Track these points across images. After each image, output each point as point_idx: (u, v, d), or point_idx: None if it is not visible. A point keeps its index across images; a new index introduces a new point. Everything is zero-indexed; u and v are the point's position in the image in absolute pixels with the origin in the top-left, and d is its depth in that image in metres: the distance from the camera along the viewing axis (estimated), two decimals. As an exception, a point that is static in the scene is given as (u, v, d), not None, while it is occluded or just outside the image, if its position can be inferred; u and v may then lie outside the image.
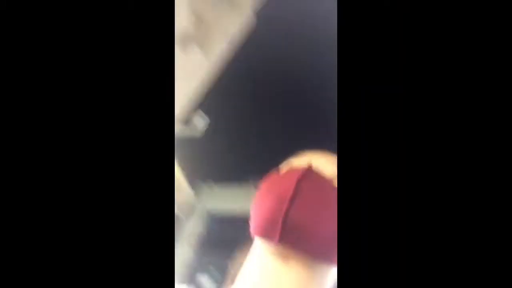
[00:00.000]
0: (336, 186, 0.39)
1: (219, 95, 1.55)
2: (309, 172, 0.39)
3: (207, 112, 1.78)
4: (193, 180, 2.29)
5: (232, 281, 0.43)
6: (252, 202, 0.42)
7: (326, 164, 0.42)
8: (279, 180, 0.41)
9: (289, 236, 0.36)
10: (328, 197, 0.38)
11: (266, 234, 0.38)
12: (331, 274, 0.40)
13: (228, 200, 2.44)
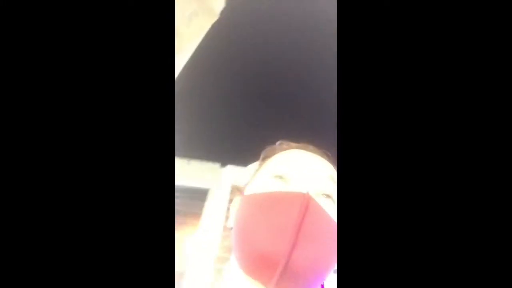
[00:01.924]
0: (331, 217, 0.37)
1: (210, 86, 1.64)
2: (310, 205, 0.35)
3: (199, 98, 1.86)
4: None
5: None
6: (240, 220, 0.38)
7: (312, 162, 0.40)
8: (276, 209, 0.35)
9: (286, 282, 0.33)
10: (325, 233, 0.35)
11: (259, 277, 0.34)
12: None
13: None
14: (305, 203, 0.35)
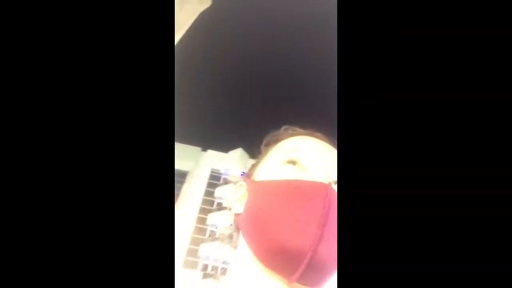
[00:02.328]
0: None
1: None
2: (332, 195, 0.34)
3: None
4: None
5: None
6: (257, 215, 0.36)
7: (322, 152, 0.39)
8: (298, 199, 0.34)
9: (309, 277, 0.32)
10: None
11: (281, 271, 0.33)
12: None
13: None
14: (328, 195, 0.34)
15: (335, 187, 0.36)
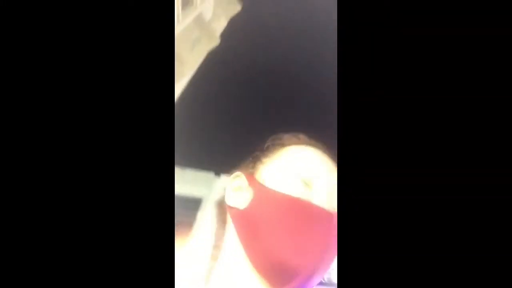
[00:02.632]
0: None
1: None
2: (335, 226, 0.36)
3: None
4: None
5: (215, 257, 0.40)
6: (259, 224, 0.37)
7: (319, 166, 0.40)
8: (309, 223, 0.36)
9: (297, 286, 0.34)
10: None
11: (272, 281, 0.35)
12: None
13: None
14: (333, 225, 0.35)
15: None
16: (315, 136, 0.45)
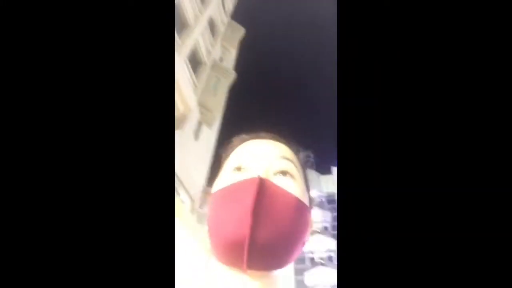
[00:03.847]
0: (289, 191, 0.38)
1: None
2: (263, 185, 0.37)
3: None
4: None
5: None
6: (208, 216, 0.40)
7: (272, 152, 0.42)
8: (233, 198, 0.37)
9: (257, 261, 0.35)
10: (285, 207, 0.37)
11: (232, 263, 0.36)
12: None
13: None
14: (255, 185, 0.36)
15: (277, 177, 0.39)
16: (280, 133, 0.47)
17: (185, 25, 6.45)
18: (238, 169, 0.41)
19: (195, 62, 7.14)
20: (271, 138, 0.46)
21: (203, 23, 7.20)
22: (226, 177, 0.42)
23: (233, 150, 0.46)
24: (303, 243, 0.40)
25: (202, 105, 7.13)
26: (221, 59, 9.43)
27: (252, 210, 0.35)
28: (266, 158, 0.41)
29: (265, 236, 0.35)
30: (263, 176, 0.38)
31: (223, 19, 9.47)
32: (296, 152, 0.45)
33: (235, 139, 0.47)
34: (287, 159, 0.42)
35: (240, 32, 10.58)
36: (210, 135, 8.01)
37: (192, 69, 6.79)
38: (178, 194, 5.52)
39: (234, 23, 10.45)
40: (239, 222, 0.35)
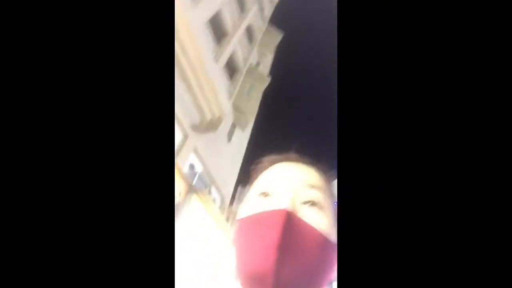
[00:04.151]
0: (316, 228, 0.37)
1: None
2: (290, 219, 0.36)
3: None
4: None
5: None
6: (235, 243, 0.40)
7: (296, 176, 0.41)
8: (260, 228, 0.37)
9: None
10: (311, 245, 0.36)
11: None
12: None
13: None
14: (282, 219, 0.36)
15: (304, 207, 0.39)
16: (307, 151, 0.45)
17: (224, 34, 6.80)
18: (265, 194, 0.41)
19: (231, 69, 7.51)
20: (300, 161, 0.45)
21: (241, 31, 7.53)
22: (253, 202, 0.42)
23: (262, 171, 0.46)
24: (330, 282, 0.39)
25: (236, 109, 7.50)
26: (257, 64, 9.73)
27: (277, 245, 0.35)
28: (294, 186, 0.41)
29: (289, 273, 0.35)
30: (290, 207, 0.38)
31: (260, 26, 9.72)
32: (325, 175, 0.44)
33: (265, 160, 0.47)
34: (316, 187, 0.42)
35: (277, 37, 10.78)
36: (243, 137, 8.36)
37: (229, 76, 7.16)
38: (210, 192, 5.87)
39: (272, 29, 10.67)
40: (264, 256, 0.35)
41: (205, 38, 5.76)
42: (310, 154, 0.45)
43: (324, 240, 0.38)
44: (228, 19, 6.94)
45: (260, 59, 10.01)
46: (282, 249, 0.35)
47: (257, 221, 0.39)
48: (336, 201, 0.40)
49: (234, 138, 7.73)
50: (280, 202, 0.39)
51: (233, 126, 7.78)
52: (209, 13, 5.90)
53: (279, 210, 0.38)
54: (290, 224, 0.36)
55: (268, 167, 0.45)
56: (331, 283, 0.39)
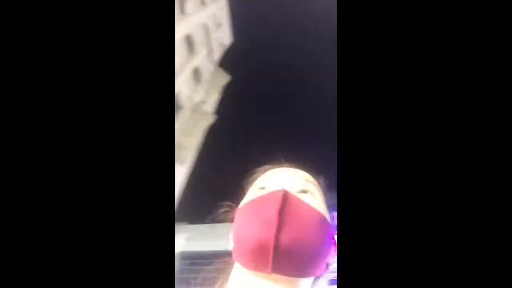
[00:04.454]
0: (312, 206, 0.40)
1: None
2: (287, 196, 0.39)
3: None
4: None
5: None
6: (233, 229, 0.42)
7: (295, 181, 0.43)
8: (259, 207, 0.40)
9: (281, 264, 0.35)
10: (309, 219, 0.39)
11: (256, 266, 0.37)
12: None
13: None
14: (281, 196, 0.38)
15: (299, 194, 0.41)
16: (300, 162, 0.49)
17: None
18: (262, 188, 0.44)
19: (176, 107, 7.73)
20: (293, 167, 0.49)
21: (187, 72, 7.88)
22: (251, 195, 0.44)
23: (256, 178, 0.48)
24: (327, 265, 0.42)
25: (178, 145, 7.65)
26: (203, 102, 10.03)
27: (278, 212, 0.37)
28: (289, 179, 0.44)
29: (290, 240, 0.36)
30: (287, 189, 0.40)
31: (209, 68, 10.18)
32: (317, 178, 0.47)
33: (259, 170, 0.50)
34: (309, 181, 0.45)
35: (225, 78, 11.28)
36: (181, 171, 8.45)
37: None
38: None
39: (220, 70, 11.16)
40: (264, 226, 0.36)
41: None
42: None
43: (321, 216, 0.41)
44: (176, 59, 7.27)
45: (205, 98, 10.32)
46: (282, 217, 0.37)
47: (256, 202, 0.41)
48: (336, 213, 0.42)
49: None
50: (276, 189, 0.42)
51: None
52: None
53: (277, 191, 0.40)
54: (288, 199, 0.39)
55: (263, 173, 0.48)
56: (327, 266, 0.42)
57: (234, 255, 0.41)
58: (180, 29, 7.18)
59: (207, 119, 9.13)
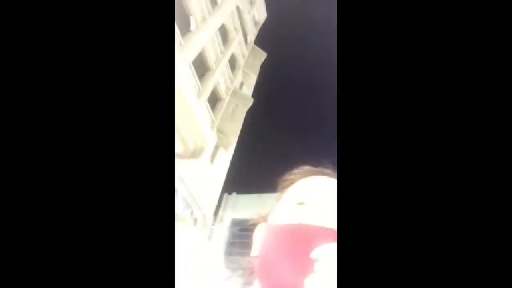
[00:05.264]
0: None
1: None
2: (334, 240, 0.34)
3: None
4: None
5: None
6: (266, 255, 0.37)
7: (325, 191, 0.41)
8: (302, 242, 0.35)
9: None
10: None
11: None
12: None
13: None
14: (331, 238, 0.34)
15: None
16: (316, 162, 0.47)
17: (207, 69, 7.35)
18: (301, 203, 0.40)
19: (214, 100, 8.00)
20: (334, 176, 0.45)
21: (224, 63, 8.07)
22: (288, 211, 0.41)
23: (292, 183, 0.45)
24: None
25: (220, 131, 8.09)
26: (241, 85, 10.18)
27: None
28: (329, 196, 0.40)
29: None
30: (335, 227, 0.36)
31: (244, 53, 10.20)
32: None
33: (298, 171, 0.46)
34: None
35: (261, 57, 11.26)
36: (225, 157, 8.99)
37: (212, 108, 7.67)
38: (192, 213, 6.42)
39: (256, 49, 11.12)
40: (302, 269, 0.33)
41: (188, 78, 6.27)
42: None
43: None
44: (212, 54, 7.49)
45: (244, 80, 10.39)
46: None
47: (297, 231, 0.37)
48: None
49: (216, 159, 8.27)
50: (322, 215, 0.38)
51: (216, 148, 8.27)
52: (193, 55, 6.44)
53: (327, 229, 0.36)
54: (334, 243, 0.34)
55: (301, 178, 0.45)
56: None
57: (261, 282, 0.38)
58: (214, 22, 7.28)
59: (247, 103, 9.42)
